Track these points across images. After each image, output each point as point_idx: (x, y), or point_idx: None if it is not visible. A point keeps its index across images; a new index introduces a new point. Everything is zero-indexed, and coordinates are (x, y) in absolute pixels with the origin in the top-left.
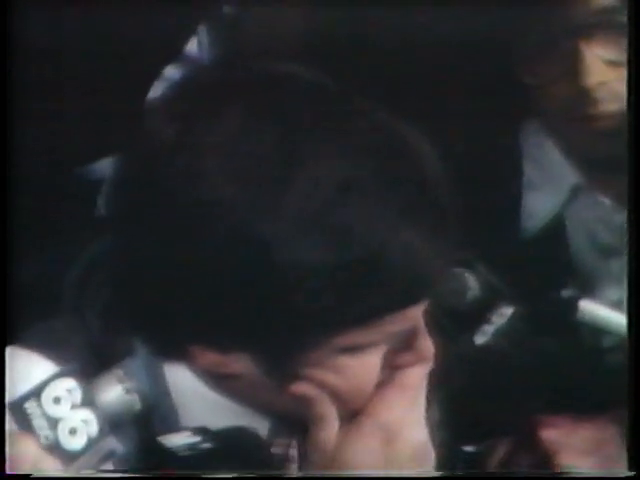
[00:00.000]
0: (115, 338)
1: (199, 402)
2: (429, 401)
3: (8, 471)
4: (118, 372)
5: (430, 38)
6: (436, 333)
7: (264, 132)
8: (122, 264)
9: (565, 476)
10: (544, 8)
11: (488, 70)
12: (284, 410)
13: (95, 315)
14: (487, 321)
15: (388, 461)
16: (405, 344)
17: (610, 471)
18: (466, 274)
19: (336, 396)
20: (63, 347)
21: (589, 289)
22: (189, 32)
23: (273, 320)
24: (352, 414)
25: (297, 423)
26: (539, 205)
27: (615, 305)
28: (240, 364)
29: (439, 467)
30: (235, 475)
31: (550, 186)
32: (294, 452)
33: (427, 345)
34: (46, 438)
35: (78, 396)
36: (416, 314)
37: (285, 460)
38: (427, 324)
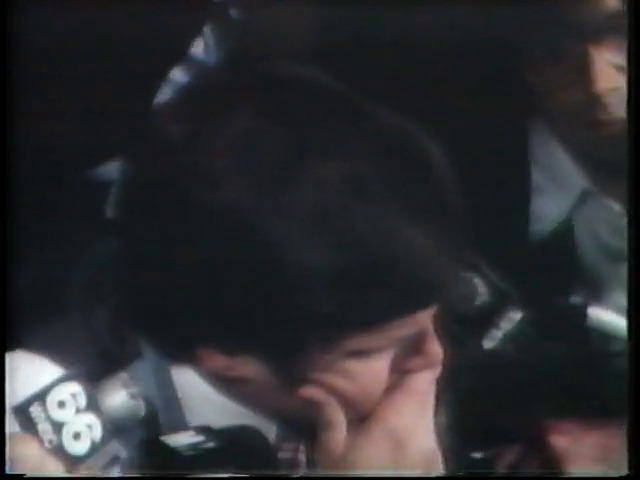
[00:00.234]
0: (122, 341)
1: (207, 405)
2: (437, 406)
3: (8, 471)
4: (123, 376)
5: (438, 40)
6: (444, 338)
7: (271, 133)
8: (129, 266)
9: (565, 476)
10: (554, 13)
11: (497, 73)
12: (292, 414)
13: (102, 318)
14: (495, 326)
15: (396, 466)
16: (414, 348)
17: (610, 471)
18: (475, 279)
19: (344, 400)
20: (69, 350)
21: (597, 294)
22: (193, 33)
23: (281, 323)
24: (360, 418)
25: (305, 427)
26: (548, 209)
27: (623, 310)
28: (248, 367)
29: (447, 473)
30: (235, 475)
31: (559, 190)
32: (302, 456)
33: (436, 350)
34: (50, 442)
35: (83, 400)
36: (425, 318)
37: (293, 464)
38: (436, 328)
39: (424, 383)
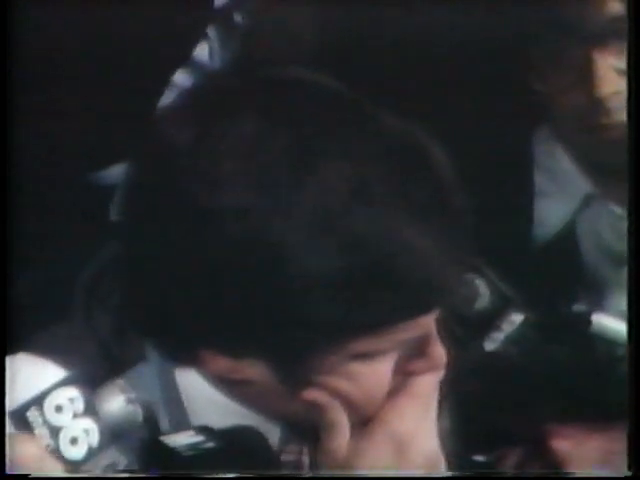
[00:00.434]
0: (125, 344)
1: (211, 407)
2: (440, 409)
3: (8, 471)
4: (120, 382)
5: (441, 42)
6: (447, 340)
7: (276, 137)
8: (132, 268)
9: (565, 476)
10: (557, 16)
11: (500, 76)
12: (295, 417)
13: (105, 321)
14: (497, 328)
15: (399, 469)
16: (417, 351)
17: (610, 471)
18: (476, 280)
19: (348, 403)
20: (71, 353)
21: (600, 298)
22: (196, 35)
23: (285, 326)
24: (364, 421)
25: (308, 430)
26: (551, 213)
27: (625, 314)
28: (252, 370)
29: (449, 476)
30: (236, 475)
31: (562, 194)
32: (305, 459)
33: (439, 352)
34: (47, 447)
35: (80, 405)
36: (428, 321)
37: (296, 467)
38: (439, 331)
39: (427, 386)
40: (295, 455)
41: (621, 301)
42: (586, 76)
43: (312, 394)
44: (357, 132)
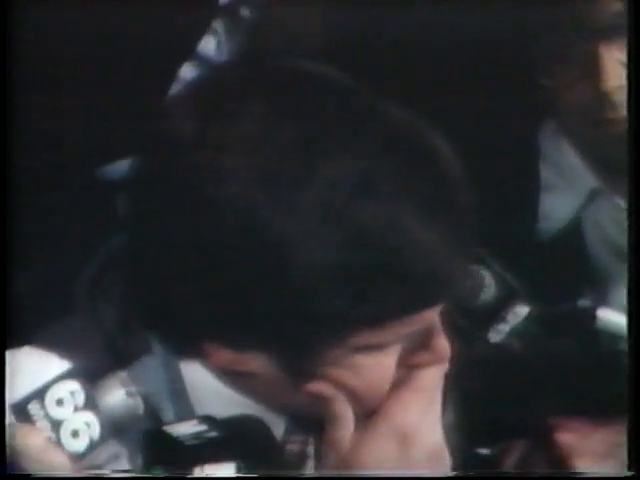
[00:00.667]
0: (130, 337)
1: (216, 399)
2: (445, 402)
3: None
4: (122, 375)
5: (449, 38)
6: (452, 332)
7: (282, 131)
8: (137, 262)
9: (565, 476)
10: (564, 11)
11: (506, 71)
12: (300, 408)
13: (109, 314)
14: (502, 320)
15: (403, 462)
16: (421, 344)
17: (610, 471)
18: (481, 272)
19: (352, 395)
20: (76, 347)
21: (605, 292)
22: (199, 31)
23: (289, 319)
24: (368, 414)
25: (313, 422)
26: (557, 207)
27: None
28: (256, 362)
29: (454, 470)
30: (236, 475)
31: (568, 189)
32: (310, 449)
33: (443, 345)
34: (48, 440)
35: (81, 398)
36: (433, 314)
37: (302, 457)
38: (443, 323)
39: (431, 379)
40: (300, 445)
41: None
42: (592, 71)
43: (316, 386)
44: (363, 126)
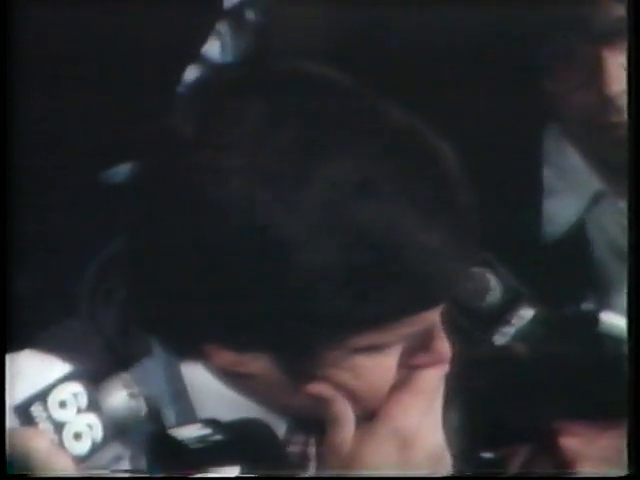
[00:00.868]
0: (130, 339)
1: (217, 401)
2: (446, 404)
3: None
4: (124, 377)
5: (452, 40)
6: (456, 333)
7: (283, 131)
8: (137, 264)
9: (565, 476)
10: (567, 15)
11: (510, 74)
12: (301, 410)
13: (110, 316)
14: (507, 322)
15: (403, 464)
16: (422, 345)
17: (610, 471)
18: (486, 274)
19: (352, 396)
20: (77, 349)
21: (609, 295)
22: (202, 33)
23: (290, 320)
24: (368, 415)
25: (313, 423)
26: (561, 210)
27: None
28: (256, 363)
29: (455, 472)
30: (236, 475)
31: (572, 192)
32: (312, 450)
33: (444, 347)
34: (51, 442)
35: (84, 400)
36: (433, 316)
37: (303, 458)
38: (444, 324)
39: (432, 380)
40: (301, 446)
41: None
42: (596, 74)
43: (317, 387)
44: (364, 126)
